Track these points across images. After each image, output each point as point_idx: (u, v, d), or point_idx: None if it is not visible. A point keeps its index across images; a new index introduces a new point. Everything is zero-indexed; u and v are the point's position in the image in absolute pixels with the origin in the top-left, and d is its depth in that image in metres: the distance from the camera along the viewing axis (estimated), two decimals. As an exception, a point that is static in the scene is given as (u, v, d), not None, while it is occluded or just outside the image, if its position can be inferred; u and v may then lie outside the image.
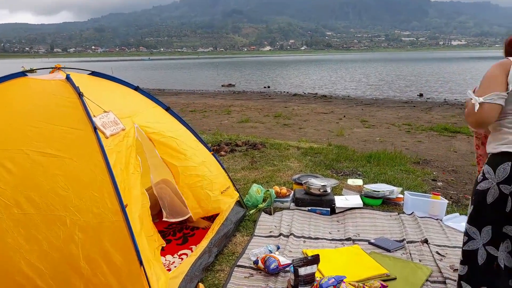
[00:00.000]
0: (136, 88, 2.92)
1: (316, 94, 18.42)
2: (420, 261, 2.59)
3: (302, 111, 11.86)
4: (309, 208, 3.47)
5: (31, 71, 2.57)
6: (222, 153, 5.59)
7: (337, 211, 3.43)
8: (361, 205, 3.47)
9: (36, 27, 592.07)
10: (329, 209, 3.43)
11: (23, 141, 2.01)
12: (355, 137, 7.60)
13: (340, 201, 3.49)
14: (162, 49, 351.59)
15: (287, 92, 19.56)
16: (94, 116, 2.16)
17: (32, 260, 1.80)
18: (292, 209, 3.48)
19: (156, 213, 3.29)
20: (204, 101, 15.56)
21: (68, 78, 2.33)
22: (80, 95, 2.20)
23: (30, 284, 1.78)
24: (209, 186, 2.96)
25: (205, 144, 3.23)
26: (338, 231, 3.11)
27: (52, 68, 2.59)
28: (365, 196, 3.62)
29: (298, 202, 3.52)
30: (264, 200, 3.62)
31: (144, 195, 2.27)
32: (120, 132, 2.30)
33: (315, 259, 2.23)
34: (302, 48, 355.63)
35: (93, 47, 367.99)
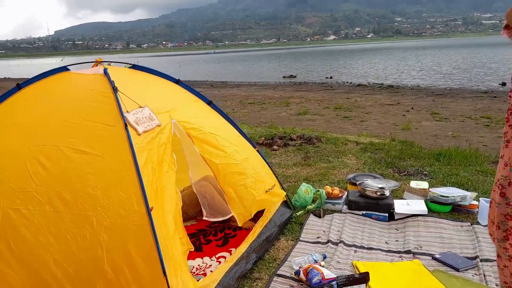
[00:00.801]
0: (177, 82, 2.81)
1: (382, 84, 17.38)
2: (497, 285, 2.15)
3: (365, 103, 11.19)
4: (364, 212, 3.12)
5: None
6: (275, 147, 5.37)
7: (396, 217, 3.04)
8: (426, 212, 3.04)
9: (114, 25, 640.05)
10: (387, 214, 3.05)
11: (58, 136, 1.97)
12: (423, 131, 6.92)
13: (401, 206, 3.09)
14: (227, 42, 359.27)
15: (350, 83, 18.76)
16: (127, 111, 2.07)
17: (61, 260, 1.75)
18: (344, 213, 3.16)
19: (199, 210, 3.19)
20: (264, 93, 15.47)
21: (105, 72, 2.27)
22: (115, 89, 2.12)
23: (58, 284, 1.73)
24: (253, 185, 2.76)
25: (249, 139, 3.03)
26: (396, 241, 2.73)
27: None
28: (431, 201, 3.17)
29: (352, 205, 3.18)
30: (313, 201, 3.34)
31: (177, 195, 2.14)
32: (155, 128, 2.19)
33: (363, 278, 1.93)
34: (369, 36, 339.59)
35: (163, 42, 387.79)
